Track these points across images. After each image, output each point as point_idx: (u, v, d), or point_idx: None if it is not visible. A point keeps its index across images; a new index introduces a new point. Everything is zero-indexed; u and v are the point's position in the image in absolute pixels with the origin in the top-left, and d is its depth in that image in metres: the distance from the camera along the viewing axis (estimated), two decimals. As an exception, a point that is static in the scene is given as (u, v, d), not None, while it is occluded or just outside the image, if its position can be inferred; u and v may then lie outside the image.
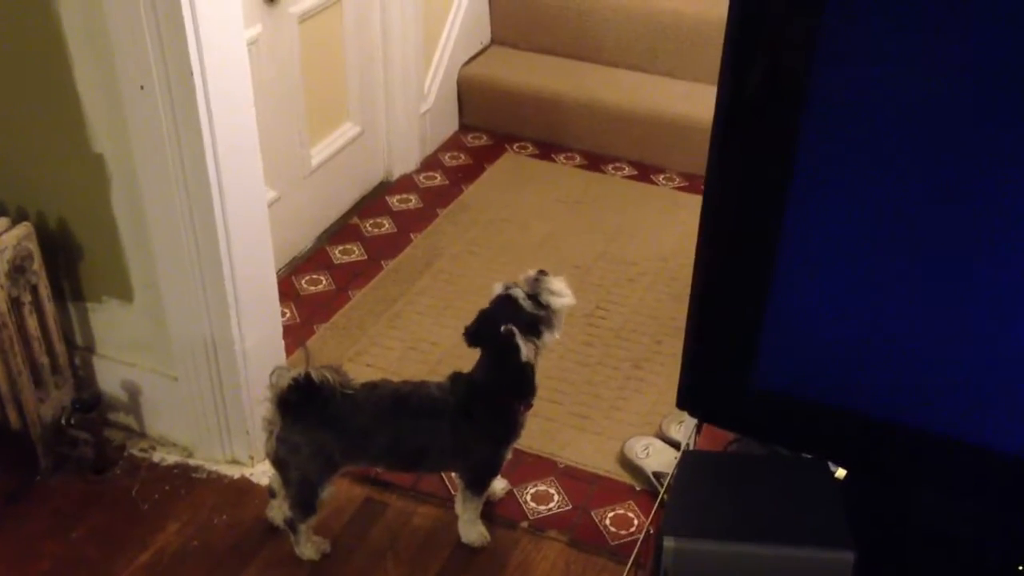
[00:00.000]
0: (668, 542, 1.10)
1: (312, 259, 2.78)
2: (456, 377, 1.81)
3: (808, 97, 0.98)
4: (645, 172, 3.22)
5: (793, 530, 1.10)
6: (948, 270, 1.00)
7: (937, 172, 0.96)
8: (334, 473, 1.81)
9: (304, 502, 1.81)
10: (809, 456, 1.24)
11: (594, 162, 3.28)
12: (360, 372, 2.26)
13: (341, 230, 2.91)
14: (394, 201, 3.05)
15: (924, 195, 0.97)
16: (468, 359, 2.39)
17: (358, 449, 1.78)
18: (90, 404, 2.04)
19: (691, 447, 1.45)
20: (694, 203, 2.99)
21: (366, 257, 2.79)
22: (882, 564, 1.15)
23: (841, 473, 1.25)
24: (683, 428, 2.06)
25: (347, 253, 2.81)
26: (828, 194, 1.03)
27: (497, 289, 1.77)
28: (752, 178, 1.07)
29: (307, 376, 1.66)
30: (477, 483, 1.86)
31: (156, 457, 2.13)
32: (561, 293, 1.74)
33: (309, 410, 1.70)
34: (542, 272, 1.76)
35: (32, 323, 1.95)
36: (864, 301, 1.06)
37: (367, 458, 1.84)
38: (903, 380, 1.08)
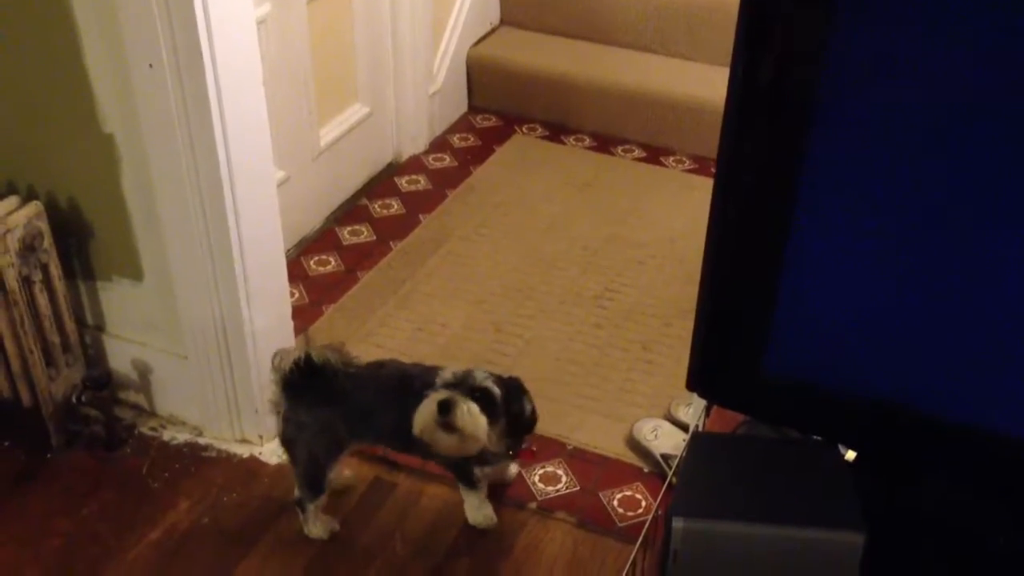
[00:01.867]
0: (677, 523, 1.11)
1: (321, 240, 2.78)
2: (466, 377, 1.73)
3: (822, 77, 0.98)
4: (655, 154, 3.21)
5: (803, 512, 1.10)
6: (965, 253, 1.00)
7: (957, 150, 0.95)
8: (341, 452, 1.82)
9: (312, 481, 1.82)
10: (819, 438, 1.24)
11: (604, 144, 3.26)
12: (369, 353, 2.26)
13: (350, 211, 2.91)
14: (403, 182, 3.05)
15: (942, 176, 0.96)
16: (476, 341, 2.40)
17: (363, 427, 1.79)
18: (101, 382, 2.05)
19: (700, 429, 1.45)
20: (704, 185, 3.01)
21: (375, 238, 2.79)
22: (891, 548, 1.15)
23: (851, 455, 1.25)
24: (692, 410, 2.06)
25: (356, 234, 2.81)
26: (842, 175, 1.03)
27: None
28: (764, 159, 1.06)
29: (307, 357, 1.67)
30: (464, 475, 1.84)
31: (166, 436, 2.15)
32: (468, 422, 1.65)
33: (314, 389, 1.71)
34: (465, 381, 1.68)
35: (43, 302, 1.95)
36: (877, 283, 1.05)
37: (372, 436, 1.85)
38: (916, 364, 1.07)
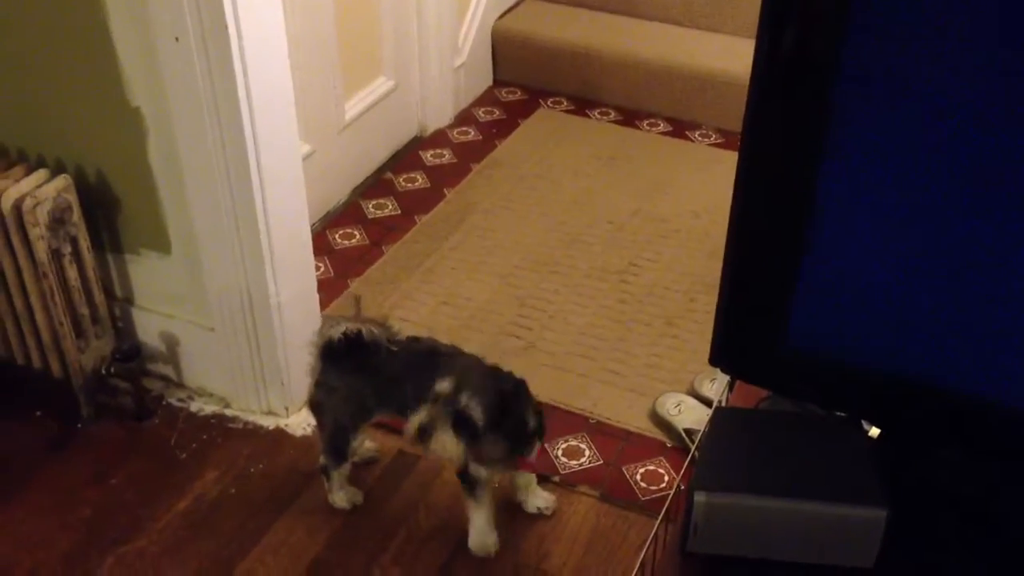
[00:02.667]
0: (699, 496, 1.11)
1: (346, 213, 2.79)
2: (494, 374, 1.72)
3: (847, 46, 0.96)
4: (680, 128, 3.19)
5: (825, 487, 1.10)
6: (989, 228, 0.99)
7: (984, 122, 0.94)
8: (366, 420, 1.84)
9: (336, 448, 1.84)
10: (842, 414, 1.23)
11: (629, 118, 3.24)
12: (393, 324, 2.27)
13: (375, 184, 2.91)
14: (427, 156, 3.05)
15: (971, 147, 0.95)
16: (500, 315, 2.41)
17: (388, 396, 1.79)
18: (130, 354, 2.08)
19: (723, 404, 1.45)
20: (729, 160, 2.98)
21: (399, 212, 2.80)
22: (913, 523, 1.14)
23: (874, 431, 1.25)
24: (715, 385, 2.06)
25: (380, 208, 2.82)
26: (867, 148, 1.02)
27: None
28: (789, 130, 1.06)
29: (358, 332, 1.68)
30: (466, 480, 1.75)
31: (193, 407, 2.17)
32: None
33: (351, 358, 1.72)
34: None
35: (72, 274, 1.98)
36: (902, 258, 1.05)
37: (395, 406, 1.84)
38: (940, 340, 1.07)
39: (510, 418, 1.65)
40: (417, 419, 1.66)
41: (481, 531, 1.82)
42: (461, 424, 1.63)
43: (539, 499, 1.91)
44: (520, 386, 1.69)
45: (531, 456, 1.76)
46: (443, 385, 1.64)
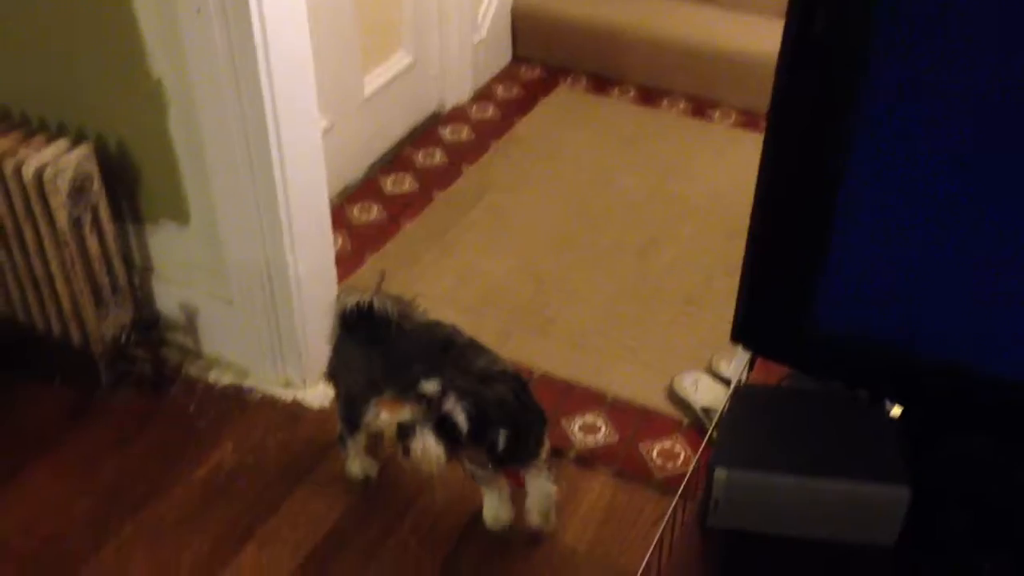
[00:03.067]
0: (719, 473, 1.11)
1: (364, 188, 2.79)
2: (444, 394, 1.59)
3: (877, 24, 0.95)
4: (701, 107, 3.17)
5: (847, 464, 1.10)
6: (1017, 210, 0.98)
7: (1018, 103, 0.93)
8: (376, 395, 1.84)
9: (348, 418, 1.86)
10: (864, 393, 1.23)
11: (649, 97, 3.22)
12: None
13: (393, 160, 2.91)
14: (446, 132, 3.04)
15: (1001, 124, 0.94)
16: (518, 292, 2.41)
17: (397, 375, 1.79)
18: (149, 323, 2.09)
19: (743, 382, 1.44)
20: (750, 141, 2.97)
21: (418, 188, 2.79)
22: (935, 502, 1.14)
23: (896, 411, 1.24)
24: (735, 363, 2.05)
25: (399, 183, 2.81)
26: (896, 130, 1.01)
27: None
28: (817, 113, 1.05)
29: (370, 304, 1.68)
30: (465, 470, 1.73)
31: (212, 377, 2.18)
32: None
33: (367, 330, 1.73)
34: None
35: (93, 243, 1.99)
36: (931, 237, 1.04)
37: (402, 387, 1.83)
38: (966, 321, 1.06)
39: (487, 431, 1.55)
40: (397, 417, 1.55)
41: (493, 506, 1.82)
42: (444, 429, 1.52)
43: (535, 516, 1.80)
44: (520, 383, 1.62)
45: (526, 468, 1.69)
46: (428, 386, 1.55)
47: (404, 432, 1.52)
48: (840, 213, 1.09)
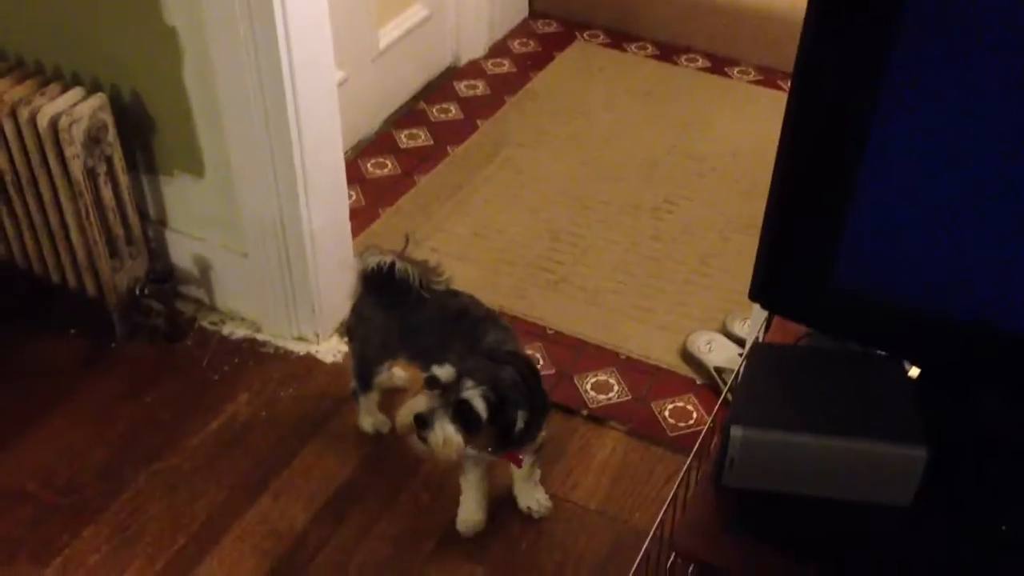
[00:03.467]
0: (735, 431, 1.10)
1: (378, 143, 2.77)
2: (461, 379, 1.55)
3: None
4: (719, 64, 3.13)
5: (864, 425, 1.09)
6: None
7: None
8: (389, 358, 1.84)
9: (362, 376, 1.86)
10: (883, 353, 1.22)
11: (666, 53, 3.18)
12: (425, 257, 2.26)
13: (408, 114, 2.88)
14: (461, 87, 3.01)
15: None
16: (532, 248, 2.40)
17: (409, 341, 1.78)
18: (163, 275, 2.09)
19: (759, 341, 1.44)
20: (768, 98, 2.94)
21: (432, 142, 2.77)
22: (951, 465, 1.14)
23: (915, 371, 1.23)
24: (751, 322, 2.04)
25: (413, 138, 2.79)
26: (925, 86, 0.98)
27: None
28: (845, 65, 1.02)
29: (391, 265, 1.67)
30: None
31: (226, 330, 2.19)
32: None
33: (385, 291, 1.72)
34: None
35: (107, 194, 1.98)
36: (957, 195, 1.02)
37: (412, 353, 1.81)
38: (992, 280, 1.05)
39: (507, 412, 1.52)
40: (414, 406, 1.50)
41: (466, 509, 1.78)
42: (461, 415, 1.48)
43: (532, 500, 1.81)
44: (527, 363, 1.60)
45: (522, 451, 1.68)
46: (443, 372, 1.50)
47: (422, 423, 1.48)
48: (865, 168, 1.07)
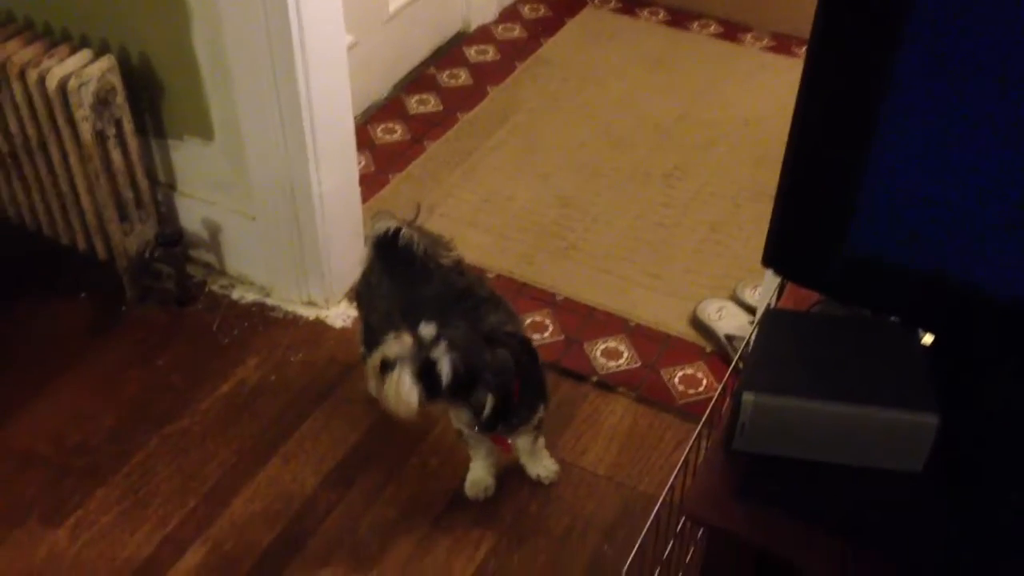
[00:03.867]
0: (747, 396, 1.10)
1: (388, 108, 2.75)
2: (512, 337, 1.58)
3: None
4: (732, 31, 3.09)
5: (877, 391, 1.09)
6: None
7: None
8: (392, 328, 1.82)
9: (368, 342, 1.86)
10: (896, 320, 1.21)
11: (679, 19, 3.15)
12: (434, 223, 2.26)
13: (417, 80, 2.86)
14: (471, 52, 2.99)
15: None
16: (542, 215, 2.39)
17: (412, 315, 1.76)
18: (173, 239, 2.09)
19: (772, 307, 1.43)
20: (782, 65, 2.91)
21: (442, 108, 2.75)
22: (963, 433, 1.13)
23: (928, 338, 1.23)
24: (762, 289, 2.03)
25: (423, 103, 2.77)
26: (944, 47, 0.97)
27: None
28: (863, 25, 1.01)
29: (396, 231, 1.66)
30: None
31: (235, 295, 2.19)
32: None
33: (394, 261, 1.71)
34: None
35: (116, 157, 1.97)
36: (976, 161, 1.01)
37: (414, 325, 1.81)
38: (1008, 247, 1.04)
39: (473, 389, 1.50)
40: (383, 350, 1.48)
41: (474, 473, 1.79)
42: (426, 374, 1.46)
43: (540, 467, 1.81)
44: (524, 343, 1.58)
45: (517, 434, 1.67)
46: (425, 330, 1.49)
47: (385, 366, 1.46)
48: (882, 132, 1.06)
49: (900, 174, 1.06)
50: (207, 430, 1.90)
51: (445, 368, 1.45)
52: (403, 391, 1.45)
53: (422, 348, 1.47)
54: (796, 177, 1.15)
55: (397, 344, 1.48)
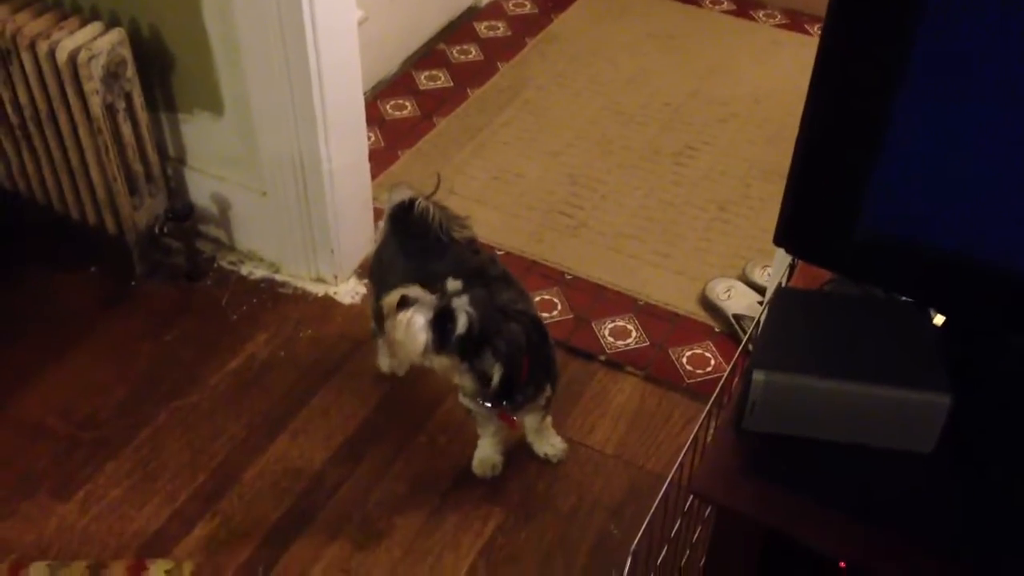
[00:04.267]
0: (758, 375, 1.10)
1: (398, 84, 2.74)
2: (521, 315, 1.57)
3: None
4: (744, 7, 3.06)
5: (889, 370, 1.08)
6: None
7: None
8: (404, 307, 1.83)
9: (377, 318, 1.85)
10: (908, 299, 1.21)
11: (691, -5, 3.13)
12: (444, 200, 2.25)
13: (427, 55, 2.85)
14: (482, 28, 2.97)
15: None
16: (552, 192, 2.38)
17: (426, 287, 1.76)
18: (183, 214, 2.08)
19: (783, 286, 1.42)
20: (794, 42, 2.88)
21: (452, 84, 2.74)
22: (974, 414, 1.13)
23: (940, 318, 1.22)
24: (773, 269, 2.03)
25: (433, 79, 2.76)
26: (963, 23, 0.96)
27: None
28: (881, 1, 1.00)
29: (412, 201, 1.66)
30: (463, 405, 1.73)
31: (244, 270, 2.19)
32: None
33: (408, 236, 1.70)
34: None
35: (126, 131, 1.97)
36: (988, 138, 1.00)
37: None
38: (1022, 225, 1.03)
39: (482, 352, 1.50)
40: (404, 289, 1.51)
41: (482, 451, 1.79)
42: (440, 321, 1.48)
43: (547, 445, 1.81)
44: (534, 321, 1.57)
45: (524, 411, 1.67)
46: (451, 284, 1.51)
47: (402, 303, 1.49)
48: (897, 109, 1.05)
49: (915, 151, 1.05)
50: (216, 405, 1.91)
51: (461, 319, 1.47)
52: (413, 330, 1.47)
53: (444, 296, 1.49)
54: (809, 155, 1.14)
55: (420, 290, 1.51)
